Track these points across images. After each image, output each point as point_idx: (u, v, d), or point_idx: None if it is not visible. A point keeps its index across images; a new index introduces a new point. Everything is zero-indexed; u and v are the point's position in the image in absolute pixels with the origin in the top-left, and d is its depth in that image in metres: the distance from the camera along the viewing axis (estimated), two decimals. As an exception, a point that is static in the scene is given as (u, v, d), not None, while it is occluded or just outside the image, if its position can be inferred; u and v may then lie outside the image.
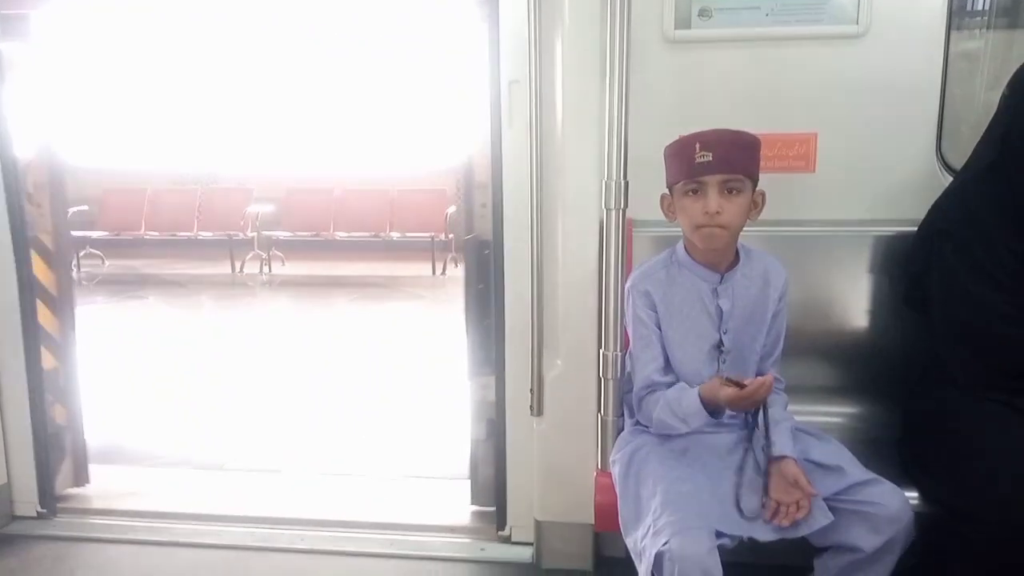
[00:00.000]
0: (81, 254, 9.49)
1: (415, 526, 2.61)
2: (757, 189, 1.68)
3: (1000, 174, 1.71)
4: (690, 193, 1.65)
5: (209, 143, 10.22)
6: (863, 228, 2.08)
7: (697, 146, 1.62)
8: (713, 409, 1.62)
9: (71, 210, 9.31)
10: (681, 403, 1.66)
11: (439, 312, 7.29)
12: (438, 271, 9.06)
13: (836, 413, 2.09)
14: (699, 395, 1.63)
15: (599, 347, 1.91)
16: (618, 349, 1.86)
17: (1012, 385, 1.66)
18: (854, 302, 2.11)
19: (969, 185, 1.78)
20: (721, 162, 1.61)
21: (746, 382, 1.54)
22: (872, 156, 2.08)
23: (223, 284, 8.81)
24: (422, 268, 9.02)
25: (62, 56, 2.91)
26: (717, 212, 1.62)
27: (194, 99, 10.12)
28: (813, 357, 2.10)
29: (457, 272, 9.08)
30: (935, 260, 1.78)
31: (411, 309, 7.44)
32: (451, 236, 9.24)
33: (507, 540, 2.46)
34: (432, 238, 9.08)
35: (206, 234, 9.45)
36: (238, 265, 9.32)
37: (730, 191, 1.63)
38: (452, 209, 9.53)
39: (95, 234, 9.42)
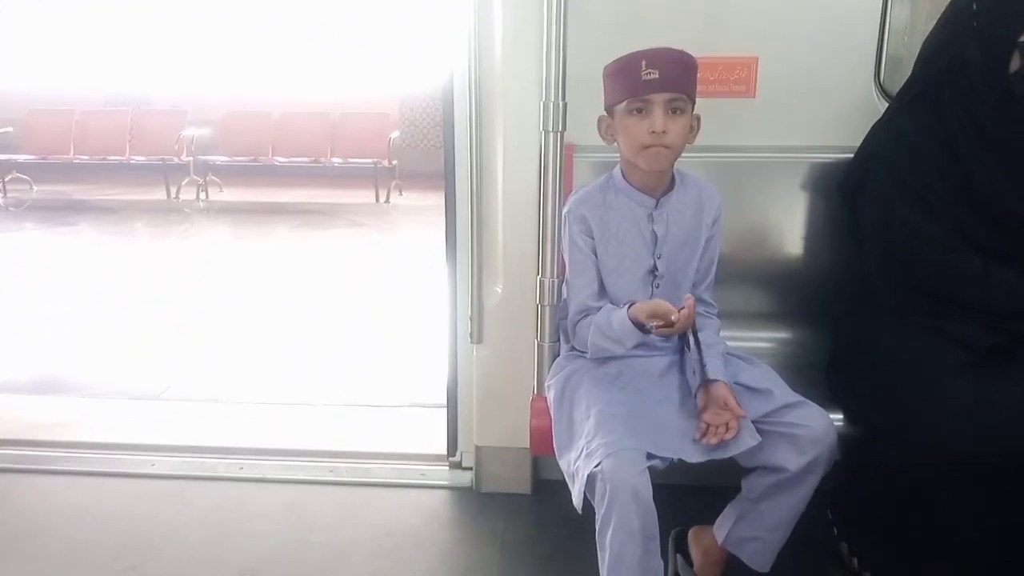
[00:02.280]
0: (7, 178, 9.12)
1: (360, 453, 2.61)
2: (693, 112, 1.67)
3: (931, 100, 1.72)
4: (634, 112, 1.62)
5: (141, 62, 9.80)
6: (800, 155, 2.08)
7: (643, 63, 1.58)
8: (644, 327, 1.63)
9: (-5, 132, 8.89)
10: (612, 326, 1.66)
11: (382, 242, 7.21)
12: (382, 198, 8.91)
13: (768, 338, 2.13)
14: (628, 316, 1.63)
15: (536, 275, 1.90)
16: (555, 275, 1.85)
17: (938, 310, 1.70)
18: (789, 229, 2.13)
19: (904, 111, 1.79)
20: (667, 80, 1.58)
21: (673, 318, 1.54)
22: (812, 82, 2.06)
23: (158, 210, 8.57)
24: (365, 195, 8.86)
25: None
26: (663, 131, 1.59)
27: (125, 14, 9.66)
28: (747, 283, 2.13)
29: (402, 200, 8.97)
30: (869, 185, 1.80)
31: (354, 237, 7.34)
32: (395, 162, 9.08)
33: (458, 466, 2.48)
34: (375, 164, 8.90)
35: (139, 158, 9.13)
36: (174, 191, 9.06)
37: (674, 111, 1.61)
38: (396, 134, 9.36)
39: (21, 157, 9.03)
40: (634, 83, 1.60)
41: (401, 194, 9.15)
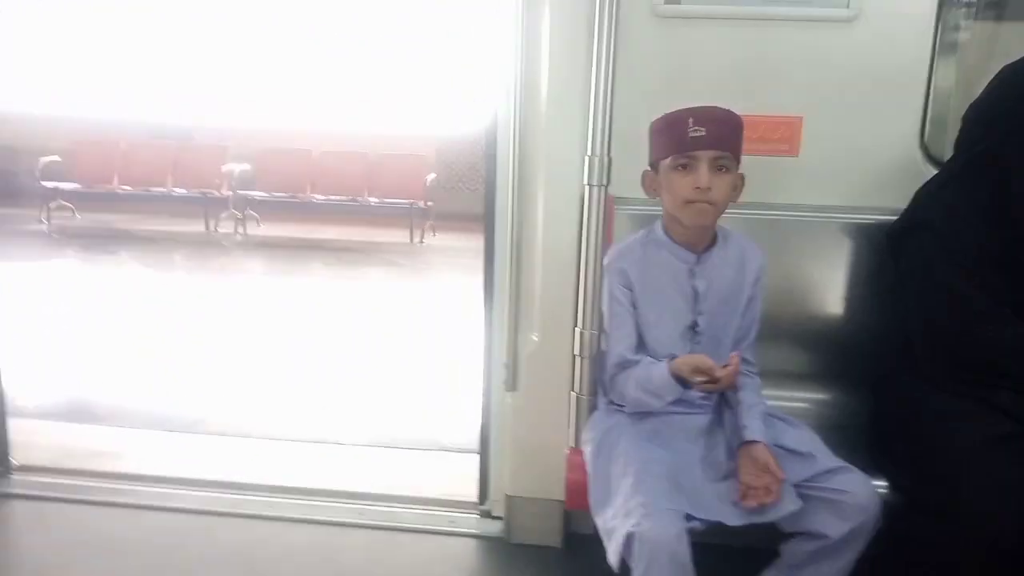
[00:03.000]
0: (52, 205, 9.33)
1: (389, 497, 2.60)
2: (738, 171, 1.67)
3: (988, 165, 1.70)
4: (679, 168, 1.64)
5: (186, 97, 10.04)
6: (843, 215, 2.08)
7: (690, 121, 1.61)
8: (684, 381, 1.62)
9: (42, 160, 9.20)
10: (652, 379, 1.65)
11: (416, 281, 7.25)
12: (416, 239, 8.99)
13: (808, 399, 2.09)
14: (669, 370, 1.62)
15: (574, 325, 1.89)
16: (594, 327, 1.84)
17: (980, 379, 1.67)
18: (830, 289, 2.11)
19: (952, 177, 1.78)
20: (714, 138, 1.61)
21: (718, 373, 1.54)
22: (856, 143, 2.06)
23: (197, 243, 8.71)
24: (400, 235, 8.96)
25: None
26: (708, 188, 1.60)
27: (173, 49, 9.93)
28: (788, 342, 2.11)
29: (436, 240, 9.05)
30: (913, 250, 1.78)
31: (388, 276, 7.39)
32: (430, 204, 9.18)
33: (488, 515, 2.45)
34: (411, 205, 9.01)
35: (180, 191, 9.31)
36: (212, 224, 9.21)
37: (719, 168, 1.62)
38: (432, 176, 9.47)
39: (66, 186, 9.24)
40: (681, 139, 1.61)
41: (435, 235, 9.23)
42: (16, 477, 2.68)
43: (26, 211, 9.08)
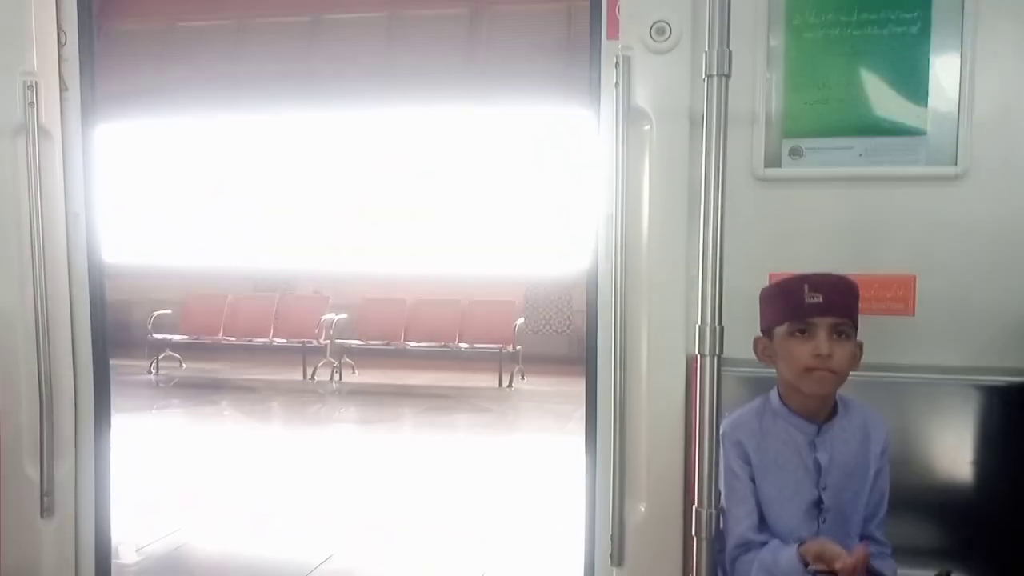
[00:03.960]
0: (160, 356, 9.76)
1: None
2: (857, 339, 1.62)
3: None
4: (796, 334, 1.60)
5: (289, 252, 10.56)
6: (967, 376, 1.97)
7: (806, 287, 1.59)
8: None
9: (155, 313, 9.65)
10: (778, 563, 1.54)
11: (507, 432, 7.16)
12: (504, 383, 8.98)
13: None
14: (798, 554, 1.51)
15: (684, 495, 1.81)
16: (712, 506, 1.75)
17: None
18: (958, 455, 1.98)
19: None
20: (832, 304, 1.58)
21: (838, 566, 1.43)
22: (976, 300, 1.98)
23: (294, 391, 8.91)
24: (489, 379, 8.96)
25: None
26: (828, 355, 1.56)
27: (278, 208, 10.56)
28: (914, 516, 1.95)
29: (524, 385, 9.01)
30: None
31: (478, 425, 7.36)
32: (519, 348, 9.24)
33: None
34: (500, 349, 9.08)
35: (281, 340, 9.64)
36: (310, 371, 9.44)
37: (838, 335, 1.59)
38: (520, 321, 9.56)
39: (175, 337, 9.69)
40: (797, 306, 1.59)
41: (523, 379, 9.20)
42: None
43: (137, 362, 9.51)
